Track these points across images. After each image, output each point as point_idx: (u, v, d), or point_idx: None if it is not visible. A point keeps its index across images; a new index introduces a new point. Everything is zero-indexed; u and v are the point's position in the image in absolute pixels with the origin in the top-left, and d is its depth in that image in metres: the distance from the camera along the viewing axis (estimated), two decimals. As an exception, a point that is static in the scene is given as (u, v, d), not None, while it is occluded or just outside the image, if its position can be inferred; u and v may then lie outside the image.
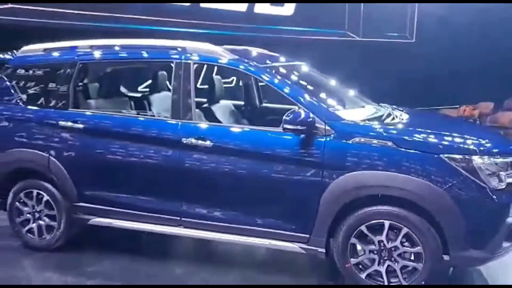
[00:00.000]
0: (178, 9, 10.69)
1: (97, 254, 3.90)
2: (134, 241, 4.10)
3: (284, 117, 3.17)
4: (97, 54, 3.95)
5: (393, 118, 3.59)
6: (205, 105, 4.36)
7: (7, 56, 4.24)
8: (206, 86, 4.48)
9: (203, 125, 3.58)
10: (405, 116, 3.74)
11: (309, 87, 3.77)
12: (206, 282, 3.45)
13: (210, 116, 4.11)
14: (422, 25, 15.98)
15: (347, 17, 14.93)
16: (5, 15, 7.95)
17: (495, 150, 3.07)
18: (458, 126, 3.68)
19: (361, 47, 14.60)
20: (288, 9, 13.06)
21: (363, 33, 15.27)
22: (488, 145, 3.13)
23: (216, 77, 4.35)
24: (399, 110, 4.00)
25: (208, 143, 3.42)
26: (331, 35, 14.36)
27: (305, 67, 4.34)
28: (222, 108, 4.46)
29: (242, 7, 12.07)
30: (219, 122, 4.05)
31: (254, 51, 4.31)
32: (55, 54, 4.07)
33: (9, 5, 8.15)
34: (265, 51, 4.55)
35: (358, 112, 3.64)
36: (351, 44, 14.56)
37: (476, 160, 2.94)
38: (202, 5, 11.14)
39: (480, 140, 3.16)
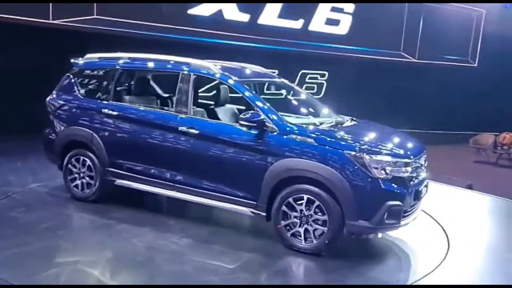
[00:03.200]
0: (238, 25, 11.97)
1: (119, 205, 5.41)
2: (147, 199, 5.55)
3: (240, 115, 4.49)
4: (132, 63, 5.51)
5: (332, 125, 4.77)
6: (211, 106, 5.80)
7: (76, 61, 5.92)
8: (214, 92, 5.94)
9: (194, 118, 4.95)
10: (349, 125, 4.92)
11: (275, 97, 5.07)
12: (184, 231, 4.80)
13: (213, 114, 5.52)
14: (486, 50, 16.16)
15: (404, 37, 15.54)
16: (88, 24, 9.82)
17: (385, 152, 4.18)
18: (383, 136, 4.76)
19: (417, 69, 15.15)
20: (342, 28, 13.99)
21: (419, 55, 15.80)
22: (382, 148, 4.24)
23: (222, 86, 5.73)
24: (352, 120, 5.16)
25: (195, 131, 4.80)
26: (386, 55, 15.05)
27: (279, 81, 5.64)
28: (225, 110, 5.85)
29: (297, 24, 13.22)
30: (219, 119, 5.42)
31: (244, 67, 5.62)
32: (105, 61, 5.68)
33: (94, 16, 10.05)
34: (259, 68, 5.84)
35: (307, 119, 4.94)
36: (407, 65, 15.18)
37: (366, 157, 4.08)
38: (260, 21, 12.45)
39: (381, 144, 4.29)
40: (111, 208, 5.35)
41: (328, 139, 4.29)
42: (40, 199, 5.64)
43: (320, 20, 13.46)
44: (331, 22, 13.68)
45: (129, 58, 5.55)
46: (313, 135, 4.34)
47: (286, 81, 5.76)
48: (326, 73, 14.09)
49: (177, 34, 10.98)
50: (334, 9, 13.68)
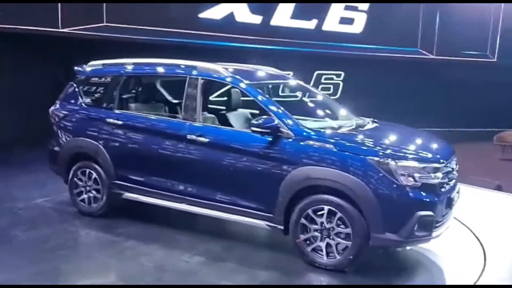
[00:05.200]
0: (250, 27, 11.69)
1: (126, 220, 5.10)
2: (155, 212, 5.22)
3: (252, 122, 4.14)
4: (137, 69, 5.21)
5: (353, 129, 4.38)
6: (222, 112, 5.47)
7: (79, 68, 5.65)
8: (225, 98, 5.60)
9: (203, 125, 4.61)
10: (370, 128, 4.52)
11: (289, 100, 4.70)
12: (193, 247, 4.46)
13: (224, 120, 5.18)
14: (506, 44, 15.62)
15: (420, 34, 15.10)
16: (97, 32, 9.63)
17: (412, 156, 3.78)
18: (409, 138, 4.36)
19: (436, 66, 14.71)
20: (357, 27, 13.63)
21: (437, 51, 15.34)
22: (409, 152, 3.84)
23: (234, 90, 5.39)
24: (373, 122, 4.77)
25: (205, 139, 4.47)
26: (403, 52, 14.64)
27: (293, 83, 5.27)
28: (238, 115, 5.51)
29: (311, 24, 12.91)
30: (231, 126, 5.08)
31: (256, 69, 5.27)
32: (109, 68, 5.39)
33: (103, 24, 9.86)
34: (272, 70, 5.48)
35: (325, 122, 4.54)
36: (424, 62, 14.74)
37: (392, 163, 3.68)
38: (272, 22, 12.17)
39: (407, 148, 3.89)
40: (119, 223, 5.05)
41: (349, 144, 3.91)
42: (45, 215, 5.36)
43: (334, 19, 13.14)
44: (345, 21, 13.33)
45: (134, 63, 5.25)
46: (332, 140, 3.97)
47: (301, 83, 5.39)
48: (342, 73, 13.75)
49: (189, 39, 10.74)
50: (348, 8, 13.34)
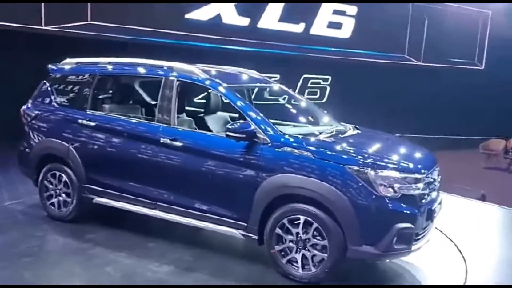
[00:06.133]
0: (237, 29, 11.53)
1: (97, 226, 4.89)
2: (127, 218, 5.01)
3: (227, 126, 3.96)
4: (111, 68, 4.99)
5: (332, 135, 4.22)
6: (200, 115, 5.28)
7: (52, 66, 5.42)
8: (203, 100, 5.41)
9: (177, 129, 4.41)
10: (351, 134, 4.37)
11: (270, 104, 4.53)
12: (164, 256, 4.26)
13: (202, 124, 4.99)
14: (493, 52, 15.66)
15: (408, 40, 15.10)
16: (81, 30, 9.41)
17: (393, 166, 3.62)
18: (391, 147, 4.21)
19: (422, 73, 14.68)
20: (345, 32, 13.56)
21: (425, 58, 15.35)
22: (389, 162, 3.68)
23: (213, 93, 5.21)
24: (355, 128, 4.62)
25: (178, 143, 4.28)
26: (390, 58, 14.62)
27: (276, 88, 5.09)
28: (217, 118, 5.33)
29: (299, 28, 12.79)
30: (210, 130, 4.89)
31: (237, 72, 5.10)
32: (84, 67, 5.17)
33: (87, 22, 9.64)
34: (254, 73, 5.30)
35: (304, 128, 4.35)
36: (411, 69, 14.71)
37: (371, 172, 3.52)
38: (259, 25, 12.04)
39: (388, 157, 3.73)
40: (88, 228, 4.84)
41: (328, 152, 3.75)
42: (14, 218, 5.13)
43: (322, 23, 13.09)
44: (333, 25, 13.31)
45: (109, 63, 5.04)
46: (310, 147, 3.79)
47: (283, 87, 5.22)
48: (329, 77, 13.66)
49: (174, 39, 10.60)
50: (336, 12, 13.30)
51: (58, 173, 5.02)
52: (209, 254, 4.35)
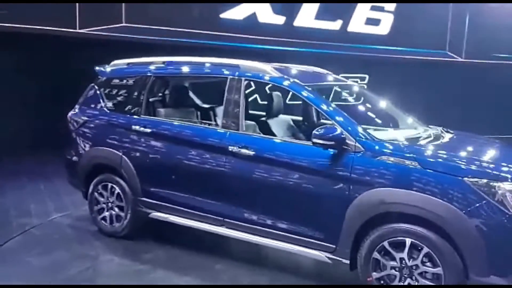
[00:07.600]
0: (273, 28, 11.14)
1: (154, 243, 4.41)
2: (187, 235, 4.51)
3: (313, 132, 3.39)
4: (167, 69, 4.50)
5: (432, 140, 3.62)
6: (263, 118, 4.73)
7: (101, 68, 4.97)
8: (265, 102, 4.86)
9: (248, 135, 3.89)
10: (447, 139, 3.76)
11: (351, 105, 3.95)
12: (237, 280, 3.73)
13: (265, 128, 4.45)
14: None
15: (449, 36, 14.38)
16: (116, 33, 9.10)
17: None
18: (502, 152, 3.59)
19: (465, 69, 13.93)
20: (383, 28, 12.96)
21: (467, 54, 14.61)
22: None
23: (275, 93, 4.67)
24: (447, 132, 4.01)
25: (250, 152, 3.74)
26: (430, 55, 13.94)
27: (356, 88, 4.51)
28: (280, 122, 4.77)
29: (336, 25, 12.27)
30: (274, 135, 4.35)
31: (307, 69, 4.55)
32: (135, 68, 4.69)
33: (122, 24, 9.32)
34: (322, 70, 4.75)
35: (397, 132, 3.75)
36: (452, 65, 13.99)
37: (502, 186, 2.91)
38: (296, 23, 11.57)
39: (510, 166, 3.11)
40: (146, 246, 4.36)
41: (438, 160, 3.16)
42: (62, 234, 4.69)
43: (359, 20, 12.58)
44: (371, 22, 12.76)
45: (164, 62, 4.55)
46: (414, 155, 3.21)
47: (356, 84, 4.63)
48: (367, 76, 13.05)
49: (209, 40, 10.22)
50: (374, 8, 12.74)
51: (110, 185, 4.56)
52: (288, 279, 3.78)
